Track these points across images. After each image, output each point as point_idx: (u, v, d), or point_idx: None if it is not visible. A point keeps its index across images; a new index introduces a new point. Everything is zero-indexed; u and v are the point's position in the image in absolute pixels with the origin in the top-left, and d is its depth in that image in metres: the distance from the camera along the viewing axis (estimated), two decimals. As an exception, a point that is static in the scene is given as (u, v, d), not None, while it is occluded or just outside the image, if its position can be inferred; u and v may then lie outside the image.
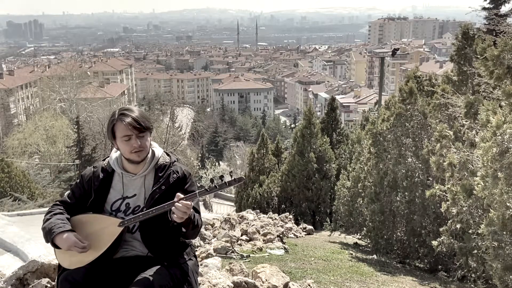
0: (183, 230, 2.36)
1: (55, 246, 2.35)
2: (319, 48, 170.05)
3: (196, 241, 6.15)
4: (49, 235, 2.32)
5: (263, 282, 3.83)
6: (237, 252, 5.69)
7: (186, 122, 58.30)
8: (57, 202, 2.55)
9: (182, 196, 2.26)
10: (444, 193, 5.37)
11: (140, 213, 2.38)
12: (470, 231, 4.90)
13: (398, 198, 7.41)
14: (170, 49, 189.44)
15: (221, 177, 2.32)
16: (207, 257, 4.99)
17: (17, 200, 13.69)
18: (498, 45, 4.66)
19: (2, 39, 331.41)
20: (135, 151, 2.40)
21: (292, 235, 8.21)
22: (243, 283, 3.66)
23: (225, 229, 7.23)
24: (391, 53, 25.24)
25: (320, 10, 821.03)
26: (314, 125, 14.62)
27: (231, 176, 2.35)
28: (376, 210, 7.64)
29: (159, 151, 2.57)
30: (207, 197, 24.00)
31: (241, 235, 6.93)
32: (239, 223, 8.14)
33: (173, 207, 2.24)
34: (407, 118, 7.41)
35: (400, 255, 7.65)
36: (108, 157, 2.60)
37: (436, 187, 5.58)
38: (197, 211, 2.45)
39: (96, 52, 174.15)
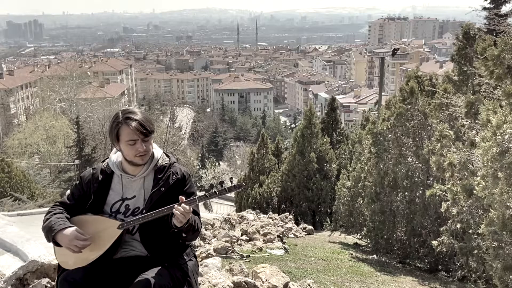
0: (183, 235, 2.36)
1: (57, 244, 2.33)
2: (319, 48, 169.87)
3: (196, 241, 6.15)
4: (50, 233, 2.30)
5: (263, 282, 3.83)
6: (237, 252, 5.68)
7: (186, 122, 58.49)
8: (57, 203, 2.54)
9: (183, 199, 2.26)
10: (444, 193, 5.36)
11: (139, 216, 2.37)
12: (470, 231, 4.90)
13: (398, 198, 7.41)
14: (170, 49, 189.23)
15: (221, 183, 2.32)
16: (207, 257, 4.98)
17: (17, 200, 13.70)
18: (498, 45, 4.65)
19: (2, 39, 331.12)
20: (139, 155, 2.40)
21: (292, 235, 8.20)
22: (243, 283, 3.66)
23: (225, 229, 7.22)
24: (391, 53, 25.15)
25: (320, 10, 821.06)
26: (314, 125, 14.62)
27: (231, 182, 2.35)
28: (376, 210, 7.63)
29: (158, 152, 2.55)
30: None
31: (241, 235, 6.92)
32: (239, 223, 8.13)
33: (173, 211, 2.23)
34: (407, 118, 7.40)
35: (400, 255, 7.65)
36: (108, 158, 2.59)
37: (436, 187, 5.58)
38: (196, 213, 2.45)
39: (96, 52, 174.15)
